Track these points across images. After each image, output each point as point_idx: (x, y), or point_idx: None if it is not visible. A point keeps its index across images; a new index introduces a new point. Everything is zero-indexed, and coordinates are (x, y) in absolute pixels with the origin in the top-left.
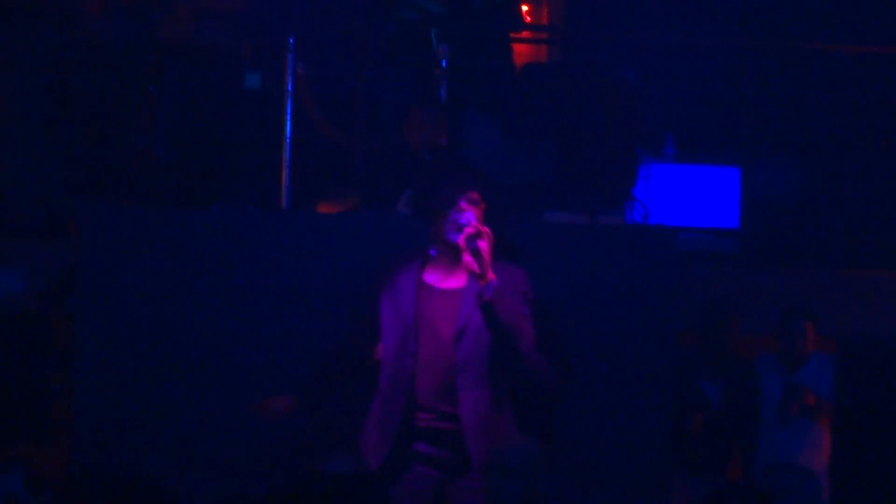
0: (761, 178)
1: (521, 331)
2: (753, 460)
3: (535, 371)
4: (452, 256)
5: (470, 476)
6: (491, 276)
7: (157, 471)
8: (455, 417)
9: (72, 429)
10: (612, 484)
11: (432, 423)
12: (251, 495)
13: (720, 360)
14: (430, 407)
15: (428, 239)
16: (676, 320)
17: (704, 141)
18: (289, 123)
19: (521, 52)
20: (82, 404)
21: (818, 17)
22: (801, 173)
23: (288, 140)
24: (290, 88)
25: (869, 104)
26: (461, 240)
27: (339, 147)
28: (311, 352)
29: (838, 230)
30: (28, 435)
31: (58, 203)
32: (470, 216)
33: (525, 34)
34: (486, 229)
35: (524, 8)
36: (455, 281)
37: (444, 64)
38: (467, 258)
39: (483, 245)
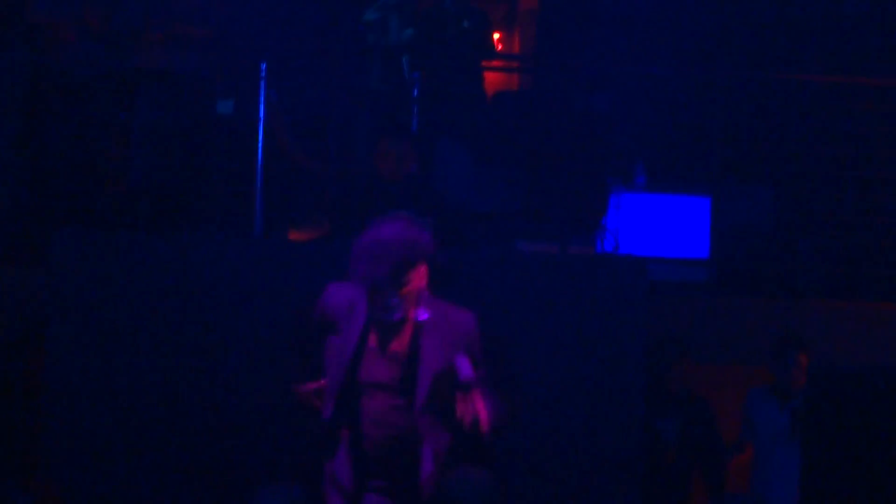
0: (731, 208)
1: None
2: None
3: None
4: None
5: None
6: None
7: (129, 497)
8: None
9: (42, 457)
10: None
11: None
12: None
13: (672, 397)
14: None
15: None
16: (646, 350)
17: (675, 170)
18: (261, 150)
19: (493, 81)
20: (52, 431)
21: (787, 47)
22: (771, 203)
23: (259, 167)
24: (262, 115)
25: (837, 133)
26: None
27: (311, 174)
28: (283, 379)
29: (808, 260)
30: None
31: (30, 229)
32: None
33: (496, 62)
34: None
35: (496, 36)
36: (397, 343)
37: (415, 92)
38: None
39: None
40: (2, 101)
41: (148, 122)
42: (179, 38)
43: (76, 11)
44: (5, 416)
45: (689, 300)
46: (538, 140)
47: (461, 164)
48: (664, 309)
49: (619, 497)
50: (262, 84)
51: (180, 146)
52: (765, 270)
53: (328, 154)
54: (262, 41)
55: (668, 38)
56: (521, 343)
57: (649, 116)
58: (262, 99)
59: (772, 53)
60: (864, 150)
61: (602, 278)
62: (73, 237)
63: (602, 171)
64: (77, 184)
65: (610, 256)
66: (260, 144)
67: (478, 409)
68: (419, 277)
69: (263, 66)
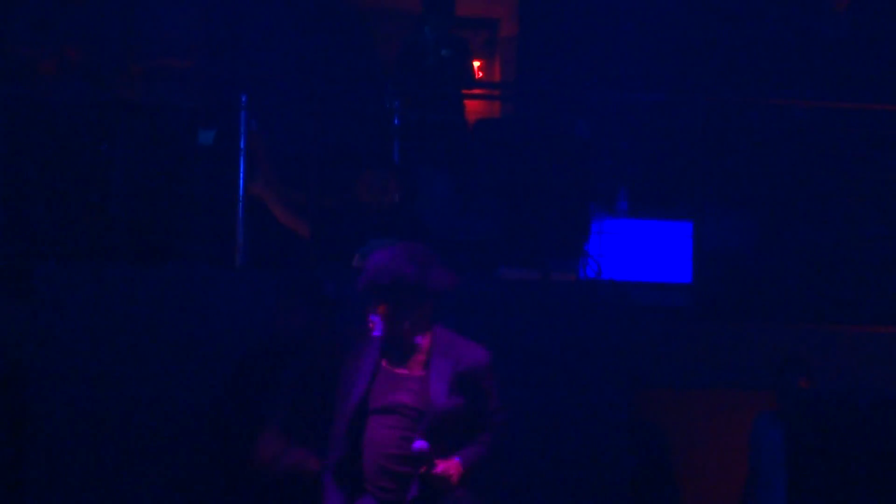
0: (713, 233)
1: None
2: None
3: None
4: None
5: None
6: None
7: None
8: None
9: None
10: None
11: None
12: None
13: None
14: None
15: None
16: (631, 374)
17: (657, 196)
18: (242, 180)
19: (474, 109)
20: (36, 463)
21: (769, 72)
22: (753, 227)
23: (241, 197)
24: (242, 146)
25: (819, 157)
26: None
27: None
28: (265, 410)
29: (790, 284)
30: None
31: (12, 262)
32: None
33: (477, 90)
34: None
35: (476, 64)
36: (411, 367)
37: (395, 121)
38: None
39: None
40: None
41: (129, 154)
42: (160, 70)
43: (56, 43)
44: None
45: (672, 324)
46: (520, 167)
47: (443, 192)
48: (647, 333)
49: None
50: (243, 115)
51: (162, 177)
52: (747, 295)
53: (310, 184)
54: (242, 72)
55: (649, 63)
56: (505, 369)
57: (631, 142)
58: (242, 129)
59: (754, 78)
60: (847, 175)
61: (585, 304)
62: (55, 270)
63: (584, 197)
64: (59, 216)
65: (593, 282)
66: (241, 174)
67: (445, 470)
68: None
69: (244, 97)
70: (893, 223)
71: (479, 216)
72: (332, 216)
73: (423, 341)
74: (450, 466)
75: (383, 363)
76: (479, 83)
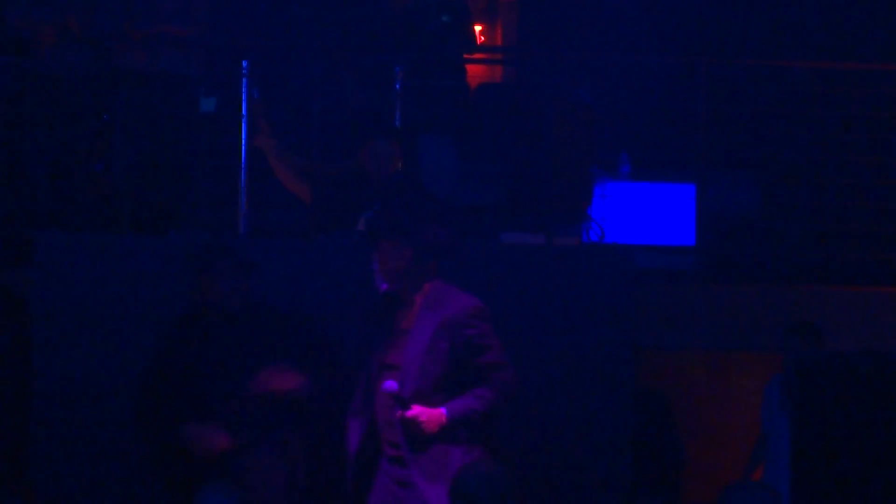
0: (716, 195)
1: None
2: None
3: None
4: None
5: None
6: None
7: (117, 501)
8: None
9: (31, 461)
10: (575, 498)
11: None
12: None
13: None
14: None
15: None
16: (634, 338)
17: (659, 158)
18: (244, 148)
19: (475, 73)
20: (40, 434)
21: (772, 33)
22: (756, 189)
23: (244, 165)
24: (244, 113)
25: (822, 119)
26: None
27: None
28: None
29: (794, 245)
30: None
31: (14, 231)
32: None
33: (479, 55)
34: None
35: (477, 28)
36: (406, 321)
37: (397, 86)
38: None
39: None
40: None
41: (130, 122)
42: (160, 38)
43: (56, 13)
44: None
45: (676, 287)
46: (522, 131)
47: (445, 158)
48: (651, 296)
49: (611, 481)
50: (245, 82)
51: (164, 146)
52: (750, 257)
53: (313, 151)
54: (244, 39)
55: (650, 26)
56: (508, 334)
57: (633, 105)
58: (244, 97)
59: (756, 40)
60: (848, 136)
61: (588, 268)
62: (57, 239)
63: (586, 161)
64: (61, 185)
65: (596, 246)
66: (243, 142)
67: (417, 414)
68: (400, 256)
69: (245, 64)
70: None
71: (480, 181)
72: (336, 183)
73: (420, 297)
74: (424, 412)
75: (395, 320)
76: (481, 48)
